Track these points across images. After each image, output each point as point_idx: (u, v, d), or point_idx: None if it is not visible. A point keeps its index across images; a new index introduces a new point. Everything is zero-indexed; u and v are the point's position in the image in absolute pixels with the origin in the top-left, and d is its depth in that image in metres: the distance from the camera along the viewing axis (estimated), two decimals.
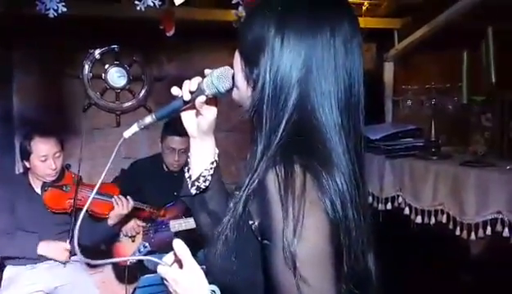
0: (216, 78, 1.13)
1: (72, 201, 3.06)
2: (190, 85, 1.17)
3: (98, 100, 3.93)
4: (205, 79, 1.16)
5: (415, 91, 3.54)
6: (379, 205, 3.16)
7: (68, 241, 3.04)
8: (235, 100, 1.11)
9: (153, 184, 3.47)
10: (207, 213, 1.25)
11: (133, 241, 3.43)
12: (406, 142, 3.27)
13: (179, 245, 1.09)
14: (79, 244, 1.14)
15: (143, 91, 4.02)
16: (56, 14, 2.33)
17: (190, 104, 1.19)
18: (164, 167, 3.55)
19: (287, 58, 0.96)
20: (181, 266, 1.09)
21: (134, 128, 1.15)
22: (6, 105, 3.73)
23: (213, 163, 1.26)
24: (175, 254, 1.10)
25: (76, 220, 3.00)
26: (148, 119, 1.16)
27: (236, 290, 1.03)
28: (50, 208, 3.09)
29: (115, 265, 3.53)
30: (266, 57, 0.98)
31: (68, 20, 2.44)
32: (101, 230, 3.18)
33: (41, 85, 3.78)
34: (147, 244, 3.35)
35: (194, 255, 1.09)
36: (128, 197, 3.14)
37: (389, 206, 3.12)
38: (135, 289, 2.37)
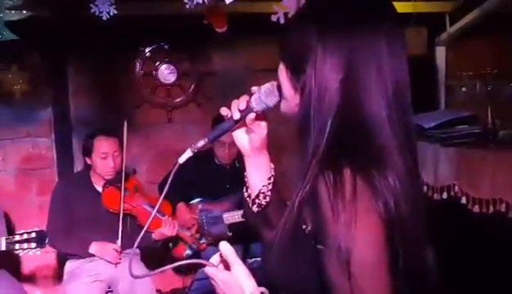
0: (264, 94, 1.15)
1: (125, 205, 3.16)
2: (239, 104, 1.18)
3: (150, 97, 4.03)
4: (253, 96, 1.17)
5: (469, 77, 3.44)
6: (435, 194, 3.08)
7: (117, 241, 3.13)
8: (284, 111, 1.11)
9: (205, 177, 3.52)
10: (270, 228, 1.24)
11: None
12: (462, 129, 3.15)
13: (226, 248, 1.10)
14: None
15: (193, 87, 4.08)
16: (108, 16, 2.43)
17: (240, 123, 1.20)
18: (216, 160, 3.60)
19: (329, 62, 0.96)
20: (228, 267, 1.10)
21: (188, 153, 1.19)
22: (62, 106, 3.89)
23: (270, 179, 1.26)
24: (221, 255, 1.12)
25: (122, 222, 3.13)
26: (201, 143, 1.19)
27: (293, 292, 1.04)
28: (104, 205, 3.19)
29: (173, 257, 3.62)
30: (310, 64, 0.98)
31: (118, 20, 2.51)
32: (147, 240, 3.20)
33: (94, 85, 3.90)
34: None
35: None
36: (176, 223, 3.19)
37: (445, 195, 3.04)
38: (193, 281, 2.43)
